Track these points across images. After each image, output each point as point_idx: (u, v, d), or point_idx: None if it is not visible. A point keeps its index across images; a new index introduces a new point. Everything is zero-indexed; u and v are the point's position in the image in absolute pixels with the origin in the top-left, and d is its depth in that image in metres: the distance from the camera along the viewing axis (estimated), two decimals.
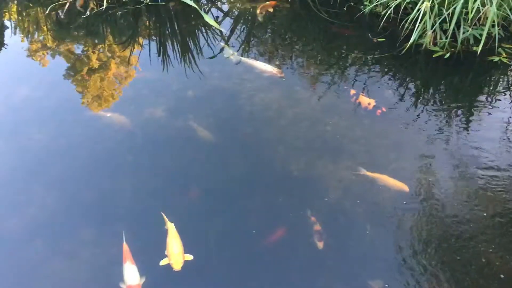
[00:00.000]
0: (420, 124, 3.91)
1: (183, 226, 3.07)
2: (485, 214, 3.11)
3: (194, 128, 3.86)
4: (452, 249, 2.90)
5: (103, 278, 2.86)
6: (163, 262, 2.84)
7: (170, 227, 3.01)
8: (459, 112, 4.12)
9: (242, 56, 4.84)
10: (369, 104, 4.07)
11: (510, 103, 4.19)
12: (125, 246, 2.92)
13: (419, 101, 4.27)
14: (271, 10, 5.69)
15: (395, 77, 4.64)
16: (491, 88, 4.54)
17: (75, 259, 2.93)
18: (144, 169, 3.55)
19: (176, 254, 2.85)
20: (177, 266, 2.81)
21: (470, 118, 4.02)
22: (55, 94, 4.46)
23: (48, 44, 5.33)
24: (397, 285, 2.74)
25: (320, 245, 2.91)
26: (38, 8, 6.08)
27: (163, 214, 3.10)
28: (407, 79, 4.65)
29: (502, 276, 2.74)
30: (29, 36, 5.61)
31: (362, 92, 4.22)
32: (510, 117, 3.99)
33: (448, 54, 4.62)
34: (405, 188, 3.28)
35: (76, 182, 3.46)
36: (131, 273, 2.78)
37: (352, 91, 4.25)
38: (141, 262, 2.85)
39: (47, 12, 5.75)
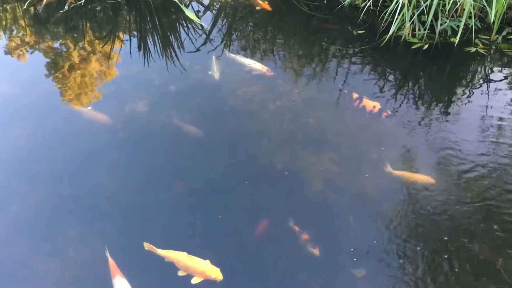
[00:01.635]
0: (399, 114, 3.98)
1: (168, 221, 3.09)
2: (465, 201, 3.20)
3: (177, 122, 3.87)
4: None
5: (87, 276, 2.84)
6: (195, 281, 2.72)
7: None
8: (438, 101, 4.20)
9: (224, 50, 4.84)
10: (374, 107, 3.97)
11: (486, 92, 4.29)
12: (111, 261, 2.80)
13: (399, 91, 4.34)
14: (259, 8, 5.65)
15: (375, 69, 4.70)
16: (468, 78, 4.64)
17: (58, 256, 2.92)
18: (127, 165, 3.54)
19: (211, 268, 2.76)
20: (219, 274, 2.74)
21: (448, 108, 4.11)
22: (35, 90, 4.40)
23: (26, 40, 5.25)
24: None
25: (316, 252, 2.87)
26: (16, 4, 5.97)
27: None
28: (387, 70, 4.71)
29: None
30: (6, 32, 5.51)
31: (365, 96, 4.10)
32: (487, 105, 4.10)
33: (426, 46, 4.70)
34: (431, 180, 3.30)
35: (58, 178, 3.43)
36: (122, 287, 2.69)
37: (355, 95, 4.12)
38: (128, 263, 2.83)
39: (25, 7, 5.66)
